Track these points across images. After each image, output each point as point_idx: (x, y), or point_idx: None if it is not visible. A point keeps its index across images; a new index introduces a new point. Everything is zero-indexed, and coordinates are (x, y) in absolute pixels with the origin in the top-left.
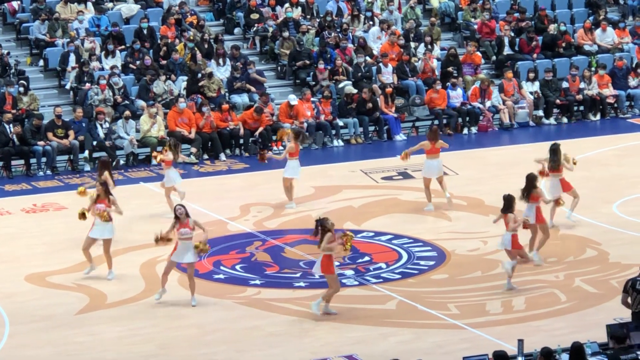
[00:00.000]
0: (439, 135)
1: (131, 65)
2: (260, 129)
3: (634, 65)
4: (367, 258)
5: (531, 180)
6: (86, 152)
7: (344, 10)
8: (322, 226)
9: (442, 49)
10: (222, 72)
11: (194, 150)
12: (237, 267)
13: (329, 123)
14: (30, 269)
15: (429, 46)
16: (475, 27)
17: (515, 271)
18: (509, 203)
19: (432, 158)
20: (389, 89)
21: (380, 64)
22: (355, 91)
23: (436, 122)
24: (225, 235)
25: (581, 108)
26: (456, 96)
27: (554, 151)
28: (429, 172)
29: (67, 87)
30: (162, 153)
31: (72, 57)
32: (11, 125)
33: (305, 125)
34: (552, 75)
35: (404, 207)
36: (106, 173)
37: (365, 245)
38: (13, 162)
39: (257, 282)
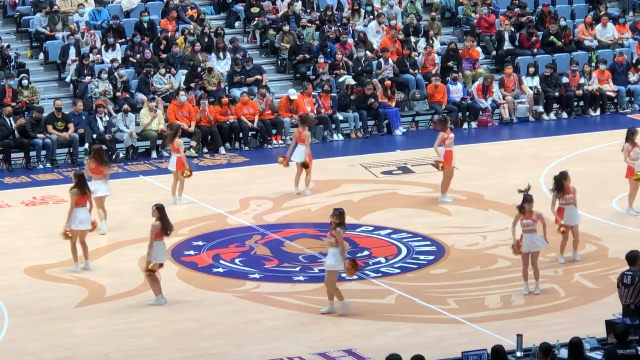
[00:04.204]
0: (449, 124)
1: (131, 59)
2: (256, 117)
3: (634, 61)
4: (366, 252)
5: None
6: (86, 145)
7: (344, 5)
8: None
9: (442, 43)
10: (222, 65)
11: (193, 143)
12: (237, 260)
13: (329, 117)
14: (29, 261)
15: (430, 41)
16: (474, 21)
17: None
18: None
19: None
20: (387, 82)
21: (381, 59)
22: (354, 82)
23: (436, 115)
24: (224, 229)
25: (581, 103)
26: (456, 91)
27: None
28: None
29: (67, 80)
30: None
31: (72, 50)
32: (11, 118)
33: None
34: (552, 71)
35: (404, 202)
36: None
37: (364, 239)
38: (13, 155)
39: (257, 275)
